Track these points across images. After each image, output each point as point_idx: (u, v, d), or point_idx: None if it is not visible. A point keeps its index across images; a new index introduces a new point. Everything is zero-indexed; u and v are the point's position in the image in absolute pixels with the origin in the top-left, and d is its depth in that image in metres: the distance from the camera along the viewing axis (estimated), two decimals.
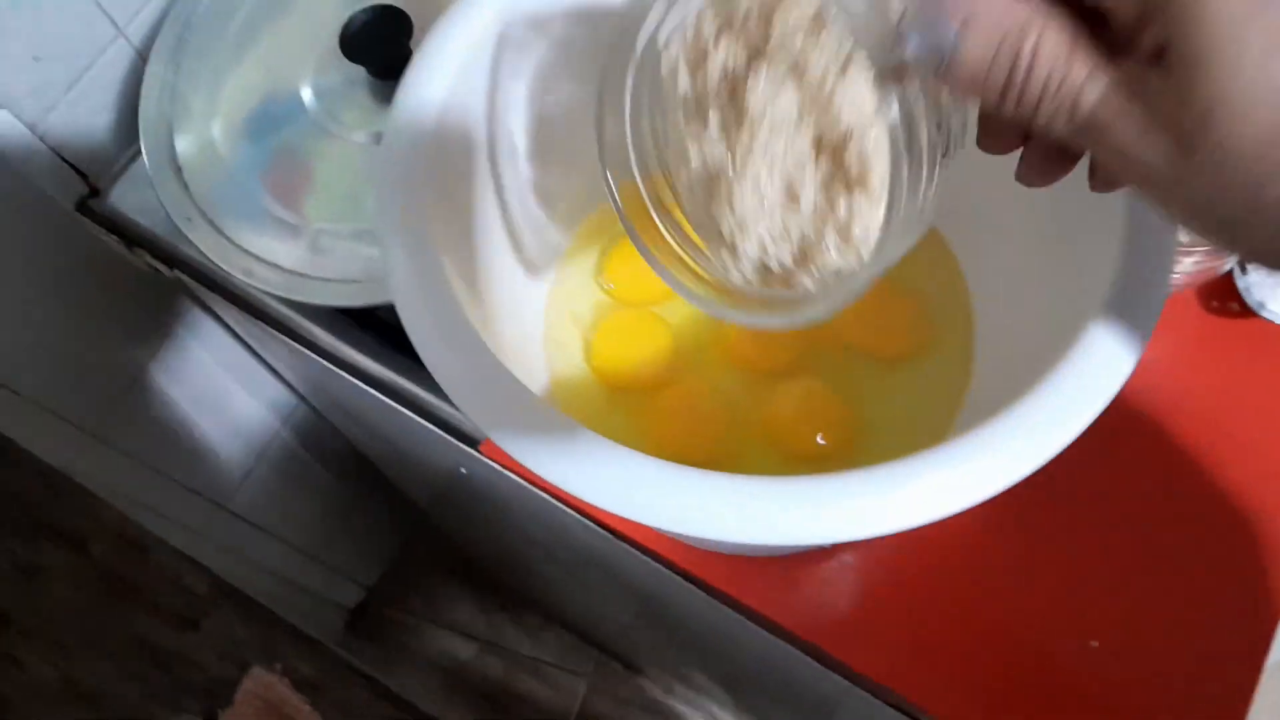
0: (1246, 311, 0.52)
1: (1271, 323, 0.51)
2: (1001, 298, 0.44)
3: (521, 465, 0.52)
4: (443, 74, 0.39)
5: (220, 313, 0.74)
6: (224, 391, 1.00)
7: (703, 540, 0.50)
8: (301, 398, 0.96)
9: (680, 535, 0.34)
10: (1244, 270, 0.52)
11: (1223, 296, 0.53)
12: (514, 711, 1.33)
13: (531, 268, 0.49)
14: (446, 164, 0.40)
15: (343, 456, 1.18)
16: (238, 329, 0.78)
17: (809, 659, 0.51)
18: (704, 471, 0.31)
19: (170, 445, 0.95)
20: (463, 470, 0.70)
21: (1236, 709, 0.46)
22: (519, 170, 0.46)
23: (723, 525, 0.31)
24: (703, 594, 0.53)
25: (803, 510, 0.31)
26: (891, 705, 0.49)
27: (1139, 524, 0.49)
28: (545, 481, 0.54)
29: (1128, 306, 0.33)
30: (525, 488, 0.56)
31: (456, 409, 0.34)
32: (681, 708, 1.28)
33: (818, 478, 0.31)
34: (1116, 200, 0.34)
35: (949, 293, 0.46)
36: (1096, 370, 0.32)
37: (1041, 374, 0.33)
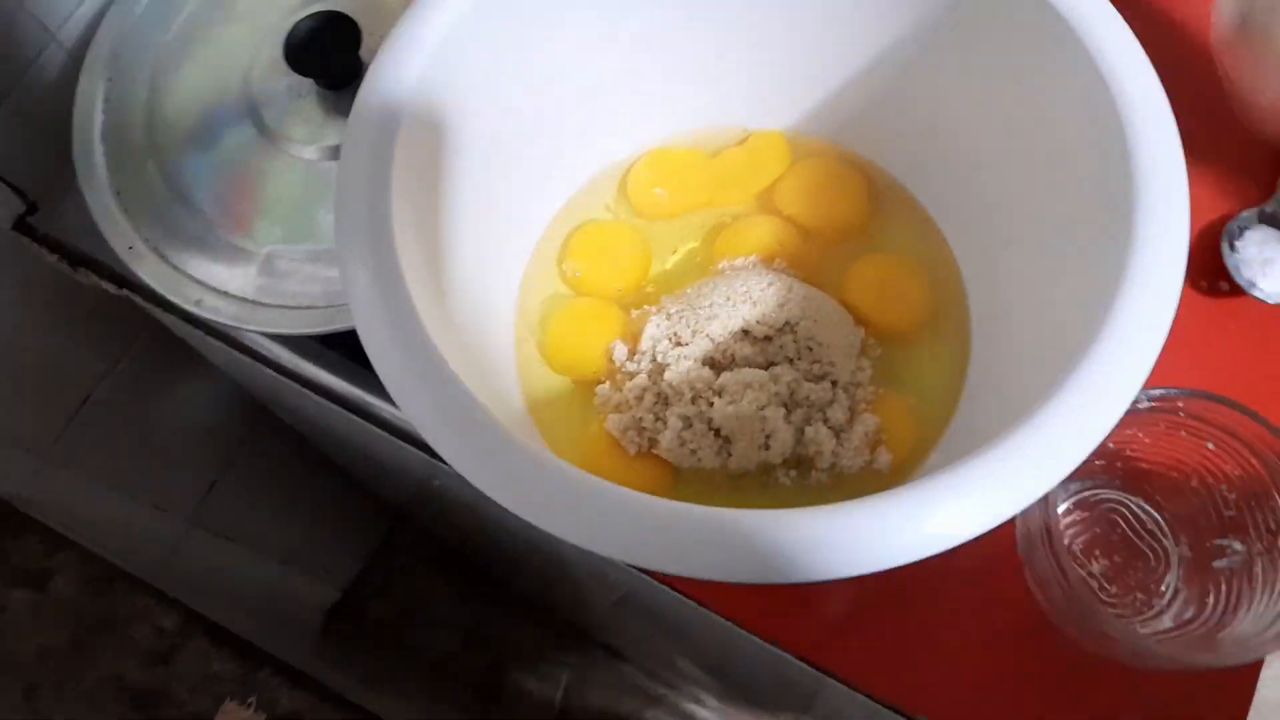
0: (1236, 290, 0.51)
1: (1262, 301, 0.50)
2: (1002, 287, 0.43)
3: None
4: (410, 65, 0.37)
5: (173, 329, 0.71)
6: (185, 401, 0.97)
7: None
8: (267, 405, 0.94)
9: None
10: (1233, 248, 0.51)
11: (1212, 276, 0.51)
12: (500, 702, 1.32)
13: (501, 268, 0.47)
14: (415, 165, 0.37)
15: (314, 458, 1.15)
16: (194, 345, 0.75)
17: (799, 663, 0.50)
18: (685, 507, 0.30)
19: (131, 461, 0.92)
20: (436, 481, 0.68)
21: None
22: (496, 160, 0.44)
23: (712, 565, 0.29)
24: (692, 604, 0.51)
25: (801, 548, 0.29)
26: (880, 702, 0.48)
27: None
28: None
29: (1139, 312, 0.32)
30: None
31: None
32: (664, 691, 1.28)
33: (810, 511, 0.30)
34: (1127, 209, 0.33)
35: (945, 275, 0.46)
36: (1109, 383, 0.31)
37: (1045, 387, 0.32)
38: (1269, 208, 0.52)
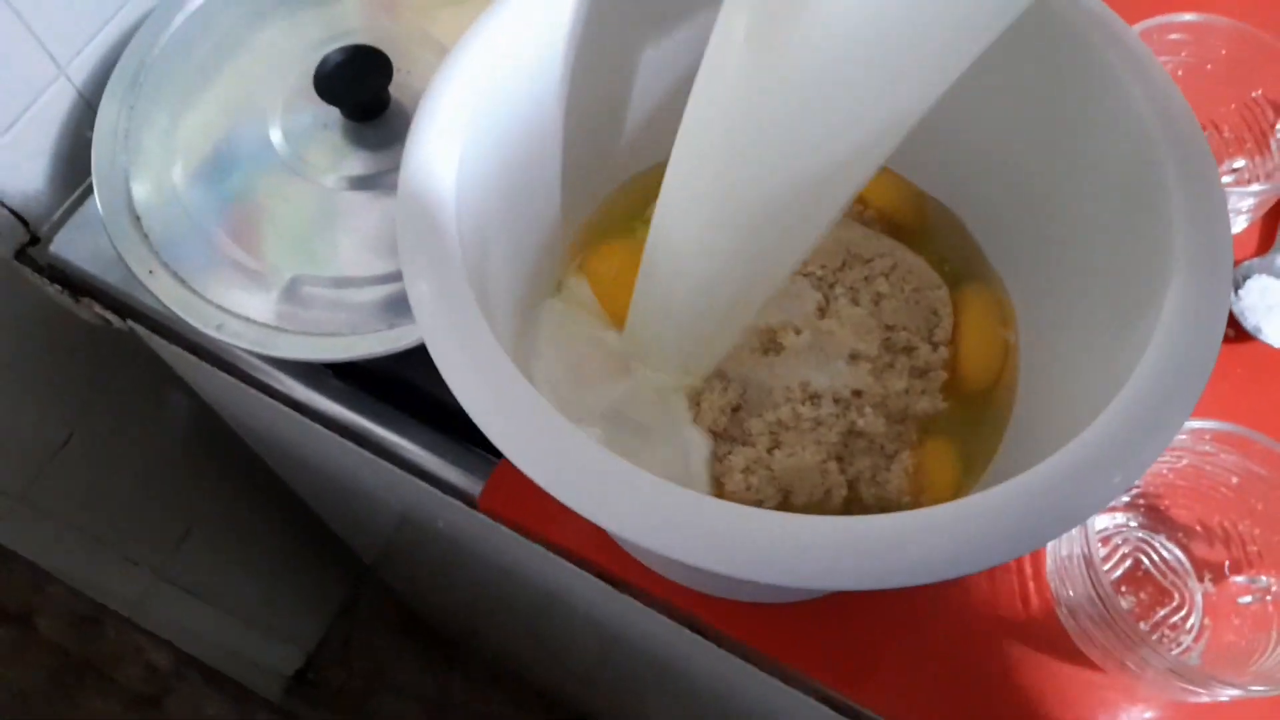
0: (1243, 335, 0.52)
1: (1268, 345, 0.52)
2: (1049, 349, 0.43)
3: (520, 521, 0.50)
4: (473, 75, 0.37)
5: (174, 365, 0.70)
6: (165, 447, 0.94)
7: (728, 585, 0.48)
8: (249, 449, 0.92)
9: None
10: (1236, 296, 0.53)
11: None
12: None
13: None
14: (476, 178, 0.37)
15: (286, 512, 1.13)
16: (191, 380, 0.73)
17: (815, 702, 0.49)
18: (780, 515, 0.29)
19: (104, 509, 0.89)
20: (440, 523, 0.67)
21: None
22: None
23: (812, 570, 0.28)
24: (710, 644, 0.51)
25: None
26: None
27: None
28: (547, 535, 0.51)
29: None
30: (521, 542, 0.53)
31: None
32: None
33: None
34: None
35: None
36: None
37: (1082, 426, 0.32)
38: (1273, 258, 0.54)
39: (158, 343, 0.62)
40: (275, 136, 0.54)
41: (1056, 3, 0.38)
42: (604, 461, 0.29)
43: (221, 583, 1.11)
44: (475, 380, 0.31)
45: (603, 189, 0.48)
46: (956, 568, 0.29)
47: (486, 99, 0.37)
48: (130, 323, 0.61)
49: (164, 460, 0.95)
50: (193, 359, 0.59)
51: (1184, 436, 0.44)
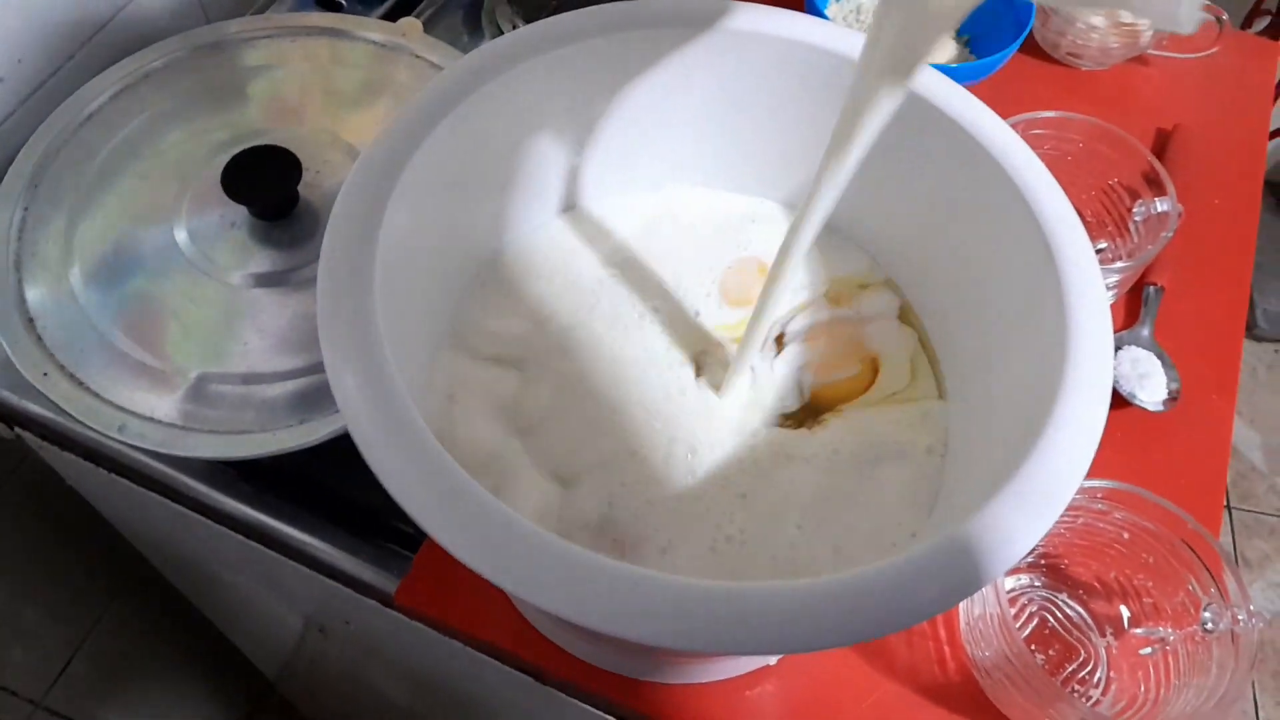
0: (1121, 402, 0.56)
1: (1143, 409, 0.55)
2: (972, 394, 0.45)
3: (438, 616, 0.49)
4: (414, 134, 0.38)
5: (66, 475, 0.67)
6: (50, 566, 0.90)
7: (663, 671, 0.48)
8: (144, 562, 0.88)
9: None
10: None
11: None
12: None
13: None
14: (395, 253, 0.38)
15: (181, 629, 1.07)
16: (85, 490, 0.70)
17: None
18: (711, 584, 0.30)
19: None
20: (352, 625, 0.65)
21: None
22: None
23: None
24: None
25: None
26: None
27: None
28: (466, 629, 0.51)
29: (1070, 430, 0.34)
30: (439, 640, 0.52)
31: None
32: None
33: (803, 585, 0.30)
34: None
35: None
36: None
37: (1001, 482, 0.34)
38: (1139, 330, 0.59)
39: (49, 451, 0.60)
40: (180, 236, 0.54)
41: (978, 127, 0.41)
42: (546, 545, 0.30)
43: (108, 711, 1.05)
44: (409, 473, 0.31)
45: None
46: (883, 627, 0.30)
47: (405, 189, 0.38)
48: (18, 430, 0.59)
49: (49, 580, 0.90)
50: (89, 466, 0.57)
51: (1079, 496, 0.46)
